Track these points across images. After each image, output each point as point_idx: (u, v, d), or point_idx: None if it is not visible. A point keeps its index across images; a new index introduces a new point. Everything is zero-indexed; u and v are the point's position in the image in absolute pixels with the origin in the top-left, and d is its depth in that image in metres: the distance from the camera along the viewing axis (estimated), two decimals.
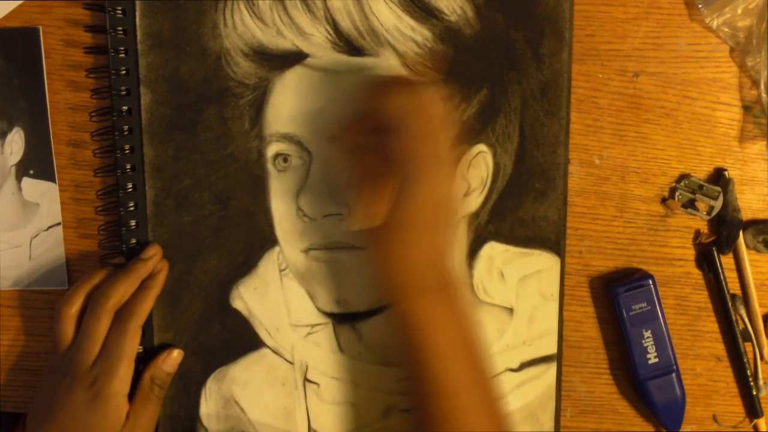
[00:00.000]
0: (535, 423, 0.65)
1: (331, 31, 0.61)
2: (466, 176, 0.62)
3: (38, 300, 0.68)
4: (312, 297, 0.64)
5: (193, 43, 0.61)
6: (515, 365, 0.64)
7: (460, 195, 0.61)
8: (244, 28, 0.61)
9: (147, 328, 0.63)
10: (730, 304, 0.65)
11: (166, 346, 0.64)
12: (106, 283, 0.61)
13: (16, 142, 0.65)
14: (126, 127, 0.62)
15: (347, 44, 0.61)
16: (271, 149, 0.62)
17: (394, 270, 0.55)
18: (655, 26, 0.63)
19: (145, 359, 0.63)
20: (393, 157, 0.53)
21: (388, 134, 0.53)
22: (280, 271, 0.64)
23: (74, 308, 0.61)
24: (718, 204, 0.64)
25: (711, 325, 0.67)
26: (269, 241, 0.63)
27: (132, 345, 0.60)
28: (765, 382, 0.67)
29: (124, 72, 0.61)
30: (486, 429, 0.55)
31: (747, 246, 0.65)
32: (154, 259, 0.62)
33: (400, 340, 0.57)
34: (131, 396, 0.61)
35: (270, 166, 0.63)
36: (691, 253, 0.66)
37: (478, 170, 0.62)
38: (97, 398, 0.58)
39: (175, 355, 0.63)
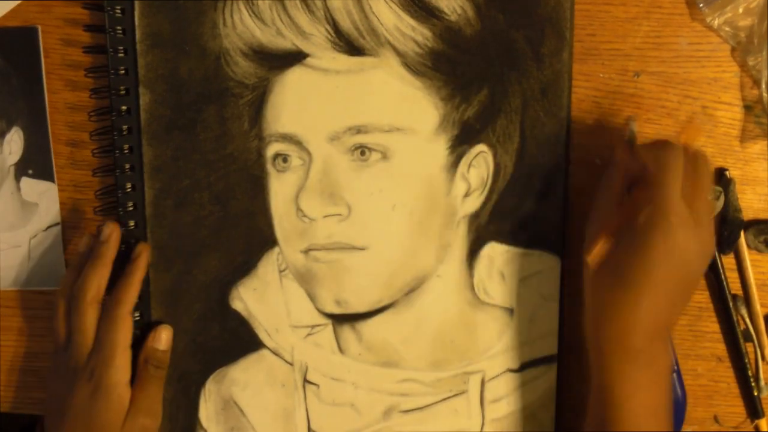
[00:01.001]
0: (536, 424, 0.65)
1: (331, 31, 0.60)
2: (466, 176, 0.62)
3: (37, 300, 0.68)
4: (312, 298, 0.64)
5: (193, 43, 0.61)
6: (516, 366, 0.64)
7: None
8: (243, 28, 0.61)
9: (145, 312, 0.63)
10: (731, 304, 0.65)
11: (150, 316, 0.64)
12: (80, 277, 0.60)
13: (15, 141, 0.65)
14: (125, 127, 0.62)
15: (347, 44, 0.61)
16: (271, 149, 0.62)
17: (604, 326, 0.54)
18: (656, 25, 0.63)
19: (142, 341, 0.63)
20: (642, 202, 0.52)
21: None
22: (280, 271, 0.64)
23: (64, 306, 0.61)
24: (719, 204, 0.64)
25: (712, 326, 0.67)
26: (269, 241, 0.63)
27: (123, 333, 0.60)
28: (766, 383, 0.66)
29: (123, 71, 0.61)
30: None
31: (748, 246, 0.65)
32: (113, 237, 0.61)
33: (594, 394, 0.56)
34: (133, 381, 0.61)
35: (269, 167, 0.62)
36: None
37: (478, 170, 0.62)
38: (98, 390, 0.58)
39: (164, 332, 0.63)
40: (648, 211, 0.52)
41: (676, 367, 0.65)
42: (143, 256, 0.62)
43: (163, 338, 0.63)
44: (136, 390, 0.61)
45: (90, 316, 0.60)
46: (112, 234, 0.61)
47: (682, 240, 0.52)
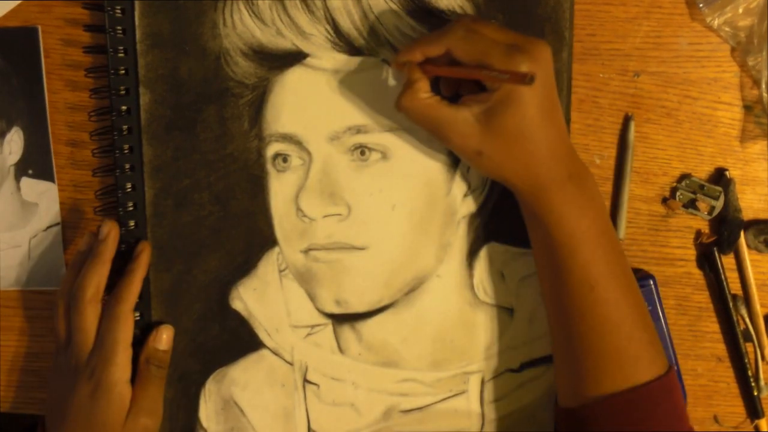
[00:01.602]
0: (536, 423, 0.65)
1: (331, 31, 0.60)
2: (466, 176, 0.62)
3: (37, 300, 0.68)
4: (312, 297, 0.64)
5: (193, 43, 0.61)
6: (515, 366, 0.64)
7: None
8: (243, 28, 0.61)
9: (145, 312, 0.63)
10: (731, 304, 0.65)
11: (150, 317, 0.64)
12: (79, 276, 0.60)
13: (15, 141, 0.65)
14: (125, 127, 0.62)
15: (347, 44, 0.61)
16: (271, 149, 0.62)
17: (525, 169, 0.55)
18: (656, 25, 0.63)
19: (142, 341, 0.63)
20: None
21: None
22: (280, 271, 0.64)
23: (64, 305, 0.61)
24: (719, 204, 0.64)
25: (712, 326, 0.67)
26: (269, 241, 0.63)
27: (125, 331, 0.59)
28: (766, 383, 0.66)
29: (123, 71, 0.61)
30: (626, 319, 0.55)
31: (748, 246, 0.65)
32: (111, 235, 0.61)
33: (533, 237, 0.58)
34: (133, 380, 0.61)
35: (269, 167, 0.62)
36: (692, 253, 0.66)
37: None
38: (99, 389, 0.58)
39: (165, 332, 0.63)
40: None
41: (676, 367, 0.65)
42: (145, 254, 0.62)
43: (164, 338, 0.63)
44: (138, 389, 0.61)
45: (90, 315, 0.60)
46: (111, 232, 0.61)
47: (533, 62, 0.52)
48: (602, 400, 0.55)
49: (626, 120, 0.63)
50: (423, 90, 0.55)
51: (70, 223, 0.66)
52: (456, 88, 0.58)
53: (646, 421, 0.54)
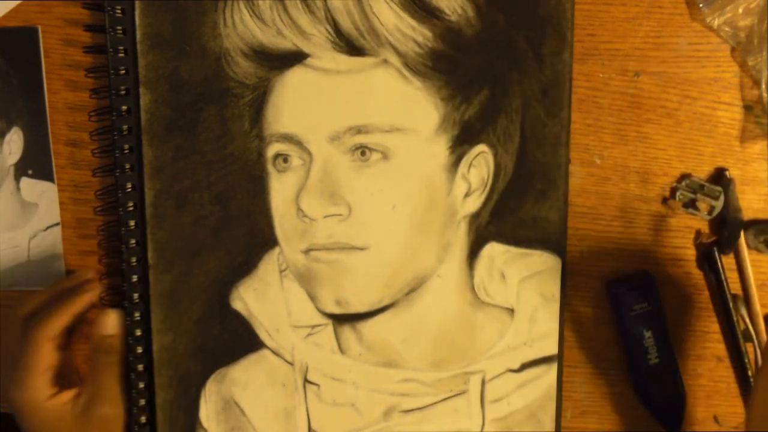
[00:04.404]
0: (536, 424, 0.65)
1: (332, 31, 0.60)
2: (467, 176, 0.62)
3: None
4: (312, 298, 0.64)
5: (193, 43, 0.61)
6: (516, 366, 0.64)
7: None
8: (244, 28, 0.61)
9: (145, 312, 0.63)
10: (731, 304, 0.65)
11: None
12: (45, 311, 0.60)
13: (14, 141, 0.65)
14: (125, 127, 0.62)
15: (348, 44, 0.61)
16: (271, 149, 0.62)
17: None
18: (656, 25, 0.63)
19: (145, 341, 0.63)
20: None
21: None
22: (281, 271, 0.64)
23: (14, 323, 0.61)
24: (719, 204, 0.64)
25: (712, 326, 0.67)
26: (269, 241, 0.63)
27: (39, 355, 0.59)
28: None
29: (123, 72, 0.61)
30: None
31: (748, 246, 0.65)
32: (79, 276, 0.62)
33: None
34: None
35: (270, 167, 0.62)
36: (692, 253, 0.66)
37: (479, 170, 0.62)
38: (22, 413, 0.59)
39: (111, 316, 0.62)
40: None
41: (676, 367, 0.65)
42: (93, 292, 0.62)
43: (108, 323, 0.62)
44: (88, 381, 0.61)
45: (39, 352, 0.59)
46: (83, 276, 0.63)
47: None
48: None
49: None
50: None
51: (70, 223, 0.66)
52: None
53: None
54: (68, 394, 0.60)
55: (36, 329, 0.59)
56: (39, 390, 0.59)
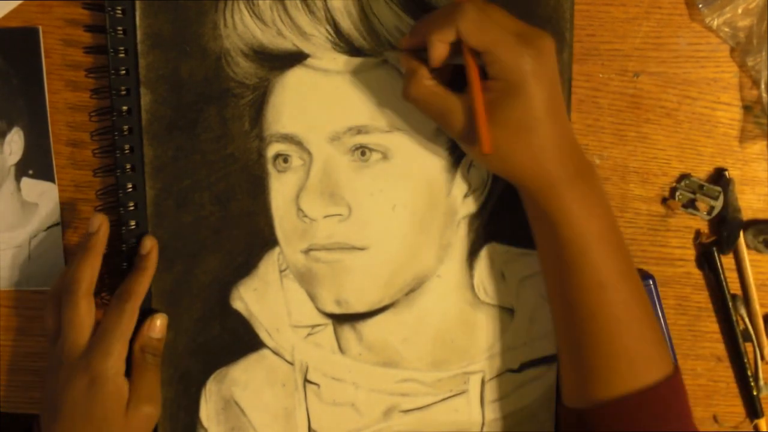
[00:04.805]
0: (536, 424, 0.65)
1: (332, 32, 0.60)
2: (467, 177, 0.62)
3: (37, 300, 0.68)
4: (312, 297, 0.64)
5: (193, 43, 0.61)
6: (515, 366, 0.64)
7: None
8: (244, 29, 0.61)
9: (146, 312, 0.63)
10: (730, 304, 0.65)
11: (150, 312, 0.63)
12: (71, 270, 0.60)
13: (15, 141, 0.65)
14: (126, 127, 0.62)
15: (348, 44, 0.61)
16: (272, 150, 0.62)
17: (531, 164, 0.54)
18: (656, 26, 0.63)
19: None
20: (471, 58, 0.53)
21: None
22: (281, 271, 0.64)
23: (54, 300, 0.61)
24: (718, 204, 0.64)
25: (711, 326, 0.67)
26: (269, 241, 0.63)
27: (128, 325, 0.60)
28: (765, 383, 0.67)
29: (123, 72, 0.61)
30: (636, 319, 0.55)
31: (747, 246, 0.65)
32: (102, 228, 0.61)
33: (540, 235, 0.57)
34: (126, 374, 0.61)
35: (270, 167, 0.62)
36: (691, 253, 0.66)
37: (479, 171, 0.62)
38: (96, 382, 0.58)
39: (159, 321, 0.63)
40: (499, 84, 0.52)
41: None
42: (154, 252, 0.62)
43: (158, 326, 0.63)
44: (136, 378, 0.61)
45: (83, 308, 0.59)
46: (102, 225, 0.61)
47: (535, 59, 0.52)
48: (613, 403, 0.54)
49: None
50: (426, 77, 0.55)
51: (70, 223, 0.66)
52: (450, 75, 0.58)
53: (656, 423, 0.54)
54: (128, 385, 0.60)
55: (129, 301, 0.60)
56: (122, 361, 0.59)
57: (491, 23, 0.52)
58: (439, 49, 0.54)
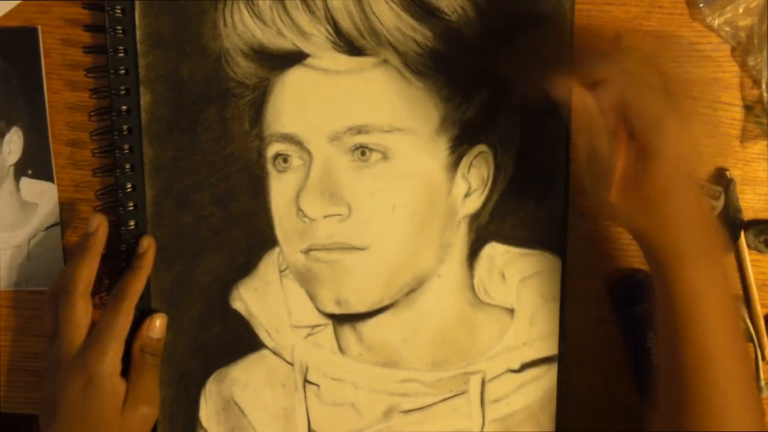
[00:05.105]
0: (536, 424, 0.65)
1: (332, 31, 0.60)
2: (467, 176, 0.62)
3: (37, 300, 0.68)
4: (312, 298, 0.64)
5: (193, 43, 0.61)
6: (516, 366, 0.64)
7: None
8: (244, 28, 0.61)
9: (145, 311, 0.63)
10: None
11: (149, 312, 0.63)
12: (69, 269, 0.60)
13: (14, 141, 0.65)
14: (125, 127, 0.62)
15: (348, 44, 0.61)
16: (271, 149, 0.62)
17: (662, 228, 0.53)
18: (656, 25, 0.63)
19: (129, 332, 0.62)
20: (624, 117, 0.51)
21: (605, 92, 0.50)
22: (281, 271, 0.64)
23: (51, 299, 0.61)
24: (719, 204, 0.64)
25: None
26: (269, 241, 0.63)
27: (124, 325, 0.60)
28: (766, 383, 0.66)
29: (123, 72, 0.61)
30: (737, 396, 0.54)
31: (748, 246, 0.65)
32: (101, 228, 0.61)
33: (657, 290, 0.56)
34: (124, 374, 0.60)
35: (270, 167, 0.62)
36: None
37: (479, 170, 0.62)
38: (92, 382, 0.58)
39: (159, 321, 0.63)
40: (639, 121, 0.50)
41: None
42: (151, 251, 0.62)
43: (157, 326, 0.63)
44: (134, 378, 0.61)
45: (81, 308, 0.59)
46: (100, 225, 0.61)
47: (680, 133, 0.50)
48: None
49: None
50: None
51: (69, 223, 0.66)
52: None
53: None
54: (125, 385, 0.60)
55: (124, 300, 0.60)
56: (118, 361, 0.59)
57: (648, 86, 0.51)
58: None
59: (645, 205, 0.52)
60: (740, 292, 0.66)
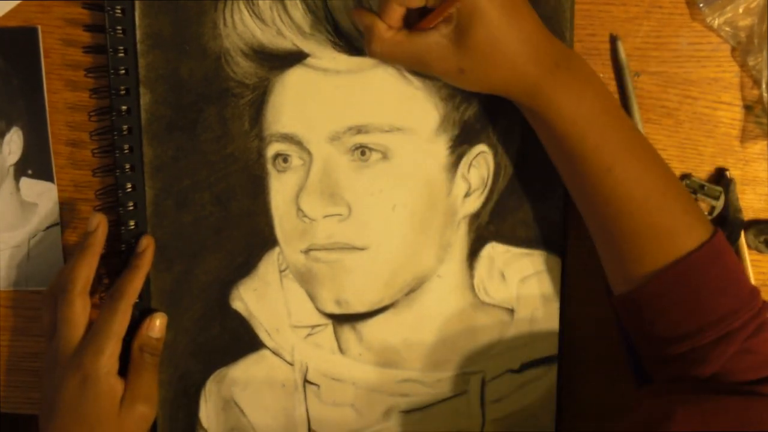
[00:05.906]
0: (536, 424, 0.65)
1: (332, 31, 0.60)
2: (467, 176, 0.62)
3: (37, 300, 0.68)
4: (312, 298, 0.64)
5: (193, 43, 0.61)
6: (516, 366, 0.64)
7: None
8: (244, 28, 0.61)
9: (145, 312, 0.63)
10: None
11: (149, 312, 0.63)
12: (68, 268, 0.60)
13: (14, 141, 0.65)
14: (125, 127, 0.62)
15: (348, 44, 0.61)
16: (271, 149, 0.62)
17: (509, 73, 0.54)
18: (656, 25, 0.63)
19: (129, 331, 0.62)
20: None
21: None
22: (280, 271, 0.64)
23: (51, 297, 0.61)
24: (719, 204, 0.64)
25: None
26: (269, 241, 0.63)
27: (121, 324, 0.60)
28: None
29: (123, 71, 0.61)
30: (652, 193, 0.54)
31: (748, 246, 0.65)
32: (100, 227, 0.61)
33: (542, 137, 0.57)
34: (122, 373, 0.60)
35: (270, 167, 0.62)
36: None
37: (479, 170, 0.62)
38: (88, 380, 0.58)
39: (158, 320, 0.63)
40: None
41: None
42: (149, 250, 0.62)
43: (157, 326, 0.63)
44: (132, 378, 0.61)
45: (78, 307, 0.59)
46: (100, 224, 0.61)
47: None
48: (650, 279, 0.54)
49: (613, 42, 0.62)
50: (384, 29, 0.55)
51: (69, 223, 0.66)
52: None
53: (699, 289, 0.53)
54: (122, 384, 0.60)
55: (121, 299, 0.60)
56: (115, 360, 0.59)
57: None
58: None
59: (488, 61, 0.53)
60: None
